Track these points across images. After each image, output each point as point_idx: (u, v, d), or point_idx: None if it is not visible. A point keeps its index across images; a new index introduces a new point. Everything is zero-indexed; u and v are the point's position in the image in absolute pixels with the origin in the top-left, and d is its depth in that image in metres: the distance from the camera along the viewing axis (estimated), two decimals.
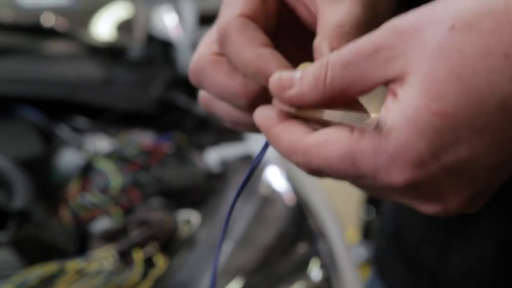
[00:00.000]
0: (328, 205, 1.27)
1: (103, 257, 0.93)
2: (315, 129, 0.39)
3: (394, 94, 0.35)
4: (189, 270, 1.05)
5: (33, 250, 0.96)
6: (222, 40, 0.43)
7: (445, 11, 0.33)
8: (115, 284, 0.89)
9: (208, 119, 1.48)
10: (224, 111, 0.47)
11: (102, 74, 1.52)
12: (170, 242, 1.06)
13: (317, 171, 0.38)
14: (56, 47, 1.77)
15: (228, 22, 0.42)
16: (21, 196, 1.03)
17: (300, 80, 0.38)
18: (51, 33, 1.79)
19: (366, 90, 0.37)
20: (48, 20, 1.84)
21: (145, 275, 0.95)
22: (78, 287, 0.86)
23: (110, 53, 1.74)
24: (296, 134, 0.39)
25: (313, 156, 0.37)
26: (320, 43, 0.41)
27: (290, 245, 1.14)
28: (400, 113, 0.34)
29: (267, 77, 0.40)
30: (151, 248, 0.99)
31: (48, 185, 1.21)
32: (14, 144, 1.26)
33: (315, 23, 0.45)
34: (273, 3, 0.45)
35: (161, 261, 0.98)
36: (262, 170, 1.26)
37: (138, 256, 0.96)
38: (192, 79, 0.46)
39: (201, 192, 1.26)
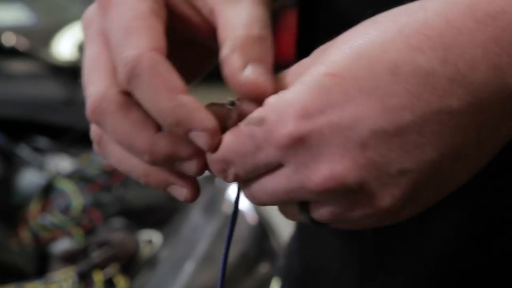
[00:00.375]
0: (289, 223, 1.28)
1: (63, 279, 0.92)
2: None
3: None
4: None
5: None
6: (132, 81, 0.37)
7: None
8: None
9: None
10: (121, 158, 0.40)
11: (64, 94, 1.51)
12: (131, 263, 1.05)
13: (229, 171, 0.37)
14: (17, 66, 1.75)
15: (139, 59, 0.37)
16: None
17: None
18: (12, 52, 1.77)
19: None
20: (9, 40, 1.82)
21: None
22: None
23: (71, 72, 1.73)
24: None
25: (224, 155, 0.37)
26: (230, 55, 0.38)
27: (252, 265, 1.15)
28: (292, 76, 0.36)
29: (187, 131, 0.37)
30: (112, 269, 0.99)
31: (8, 205, 1.19)
32: None
33: (206, 29, 0.42)
34: (165, 18, 0.40)
35: (121, 282, 0.98)
36: (224, 189, 1.27)
37: (98, 277, 0.95)
38: (92, 119, 0.40)
39: (164, 212, 1.26)
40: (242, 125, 0.36)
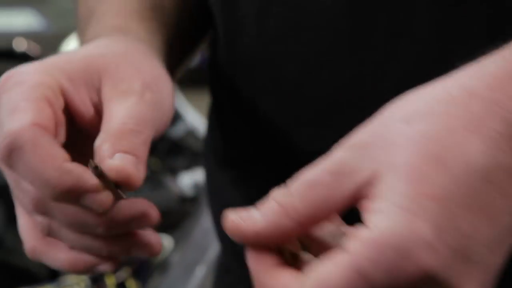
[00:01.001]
0: None
1: (75, 283, 0.93)
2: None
3: (369, 198, 0.33)
4: None
5: (4, 275, 0.95)
6: (12, 154, 0.37)
7: (392, 117, 0.34)
8: None
9: (181, 143, 1.49)
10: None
11: None
12: (143, 267, 1.06)
13: None
14: None
15: (18, 133, 0.36)
16: None
17: (261, 214, 0.34)
18: (23, 57, 1.78)
19: (344, 206, 0.34)
20: (20, 45, 1.83)
21: None
22: None
23: None
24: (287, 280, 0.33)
25: None
26: (101, 145, 0.39)
27: None
28: (387, 207, 0.31)
29: (79, 196, 0.37)
30: (124, 273, 0.99)
31: None
32: None
33: (96, 123, 0.43)
34: (60, 107, 0.41)
35: (133, 286, 0.98)
36: None
37: (110, 281, 0.95)
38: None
39: (175, 216, 1.26)
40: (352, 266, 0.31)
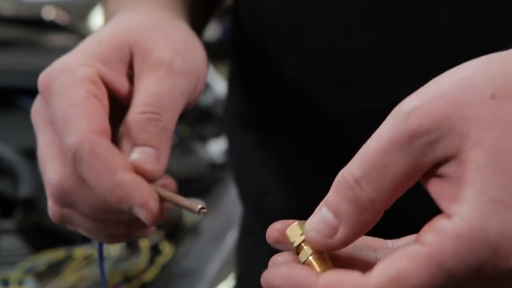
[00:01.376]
0: None
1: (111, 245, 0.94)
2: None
3: (455, 177, 0.30)
4: (194, 258, 1.06)
5: (39, 237, 0.96)
6: (77, 165, 0.39)
7: (475, 81, 0.31)
8: (122, 270, 0.90)
9: (210, 111, 1.49)
10: (89, 226, 0.43)
11: None
12: (175, 230, 1.06)
13: None
14: (57, 40, 1.77)
15: (79, 144, 0.39)
16: (26, 185, 1.04)
17: (336, 217, 0.32)
18: (52, 26, 1.79)
19: (413, 181, 0.31)
20: (49, 14, 1.84)
21: (151, 262, 0.95)
22: (86, 273, 0.86)
23: None
24: (354, 282, 0.30)
25: None
26: (121, 139, 0.42)
27: None
28: (480, 198, 0.29)
29: (131, 207, 0.39)
30: (157, 235, 1.00)
31: None
32: (18, 135, 1.27)
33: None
34: (105, 95, 0.43)
35: (167, 249, 0.99)
36: None
37: (144, 243, 0.96)
38: (58, 202, 0.43)
39: (205, 182, 1.27)
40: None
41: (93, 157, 0.39)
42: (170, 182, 0.45)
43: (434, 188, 0.31)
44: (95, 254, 0.91)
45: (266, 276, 0.34)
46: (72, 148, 0.39)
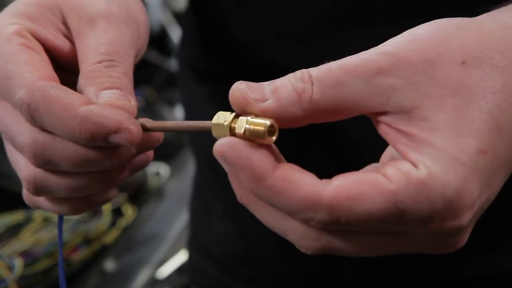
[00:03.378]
0: None
1: None
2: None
3: (404, 133, 0.31)
4: (157, 221, 1.06)
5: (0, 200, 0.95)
6: (34, 118, 0.36)
7: (450, 45, 0.32)
8: (82, 232, 0.89)
9: (177, 75, 1.48)
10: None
11: None
12: (139, 193, 1.06)
13: (344, 226, 0.31)
14: None
15: (28, 95, 0.36)
16: None
17: (273, 92, 0.32)
18: None
19: (355, 114, 0.33)
20: None
21: (113, 224, 0.95)
22: (44, 234, 0.86)
23: None
24: (309, 186, 0.31)
25: (345, 211, 0.30)
26: (83, 88, 0.38)
27: None
28: (441, 154, 0.30)
29: (106, 137, 0.36)
30: (120, 198, 1.00)
31: None
32: None
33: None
34: (40, 49, 0.40)
35: (129, 211, 0.99)
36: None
37: (106, 206, 0.96)
38: (38, 161, 0.39)
39: (171, 146, 1.26)
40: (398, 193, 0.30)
41: (48, 101, 0.36)
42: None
43: (390, 135, 0.32)
44: (55, 216, 0.90)
45: (223, 149, 0.32)
46: (23, 102, 0.36)
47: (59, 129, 0.36)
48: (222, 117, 0.34)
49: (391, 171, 0.30)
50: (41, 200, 0.41)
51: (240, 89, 0.33)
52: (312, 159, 0.49)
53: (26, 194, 0.42)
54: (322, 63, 0.33)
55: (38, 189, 0.39)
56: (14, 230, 0.87)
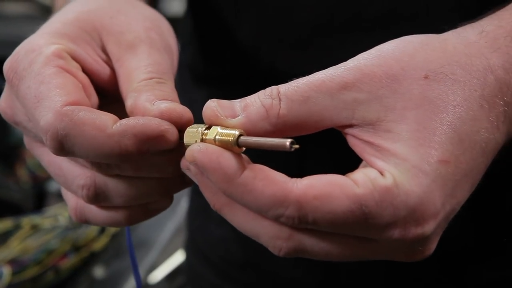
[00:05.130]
0: None
1: (59, 213, 0.93)
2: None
3: (370, 143, 0.33)
4: (146, 227, 1.06)
5: None
6: (64, 145, 0.35)
7: (414, 60, 0.33)
8: (71, 239, 0.89)
9: None
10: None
11: None
12: None
13: (310, 224, 0.32)
14: (13, 8, 1.73)
15: (56, 120, 0.35)
16: None
17: (243, 109, 0.34)
18: None
19: (322, 128, 0.34)
20: None
21: (102, 231, 0.95)
22: (32, 241, 0.86)
23: None
24: (279, 183, 0.32)
25: (312, 209, 0.31)
26: (137, 99, 0.37)
27: None
28: (404, 163, 0.32)
29: (148, 145, 0.35)
30: None
31: (5, 145, 1.20)
32: None
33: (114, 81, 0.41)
34: (78, 69, 0.40)
35: None
36: None
37: None
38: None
39: None
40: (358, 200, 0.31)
41: (80, 125, 0.35)
42: None
43: (357, 146, 0.34)
44: (43, 223, 0.91)
45: (194, 154, 0.33)
46: (50, 126, 0.35)
47: (93, 152, 0.35)
48: (196, 127, 0.35)
49: (359, 176, 0.32)
50: (93, 212, 0.40)
51: (211, 107, 0.35)
52: (312, 165, 0.50)
53: (75, 209, 0.41)
54: (320, 68, 0.34)
55: (97, 194, 0.38)
56: (2, 238, 0.87)
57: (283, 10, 0.53)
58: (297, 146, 0.32)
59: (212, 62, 0.62)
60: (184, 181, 0.39)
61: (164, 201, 0.40)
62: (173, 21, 0.49)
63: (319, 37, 0.52)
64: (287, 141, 0.31)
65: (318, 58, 0.44)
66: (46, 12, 1.70)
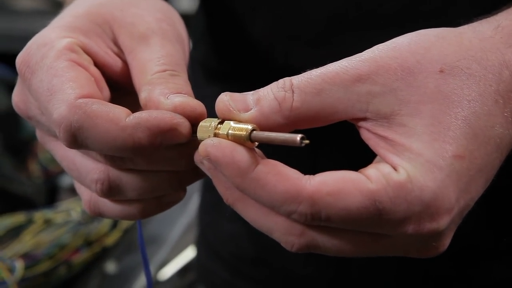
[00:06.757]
0: None
1: (71, 208, 0.93)
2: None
3: (383, 138, 0.33)
4: (158, 222, 1.06)
5: (2, 202, 0.96)
6: (77, 136, 0.35)
7: (429, 54, 0.33)
8: (83, 234, 0.90)
9: None
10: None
11: None
12: None
13: (323, 221, 0.32)
14: (24, 3, 1.74)
15: (70, 113, 0.35)
16: None
17: (256, 102, 0.34)
18: None
19: (335, 121, 0.34)
20: None
21: (114, 226, 0.95)
22: (45, 236, 0.86)
23: None
24: (292, 179, 0.32)
25: (325, 206, 0.31)
26: (151, 92, 0.37)
27: None
28: (418, 158, 0.32)
29: (161, 138, 0.35)
30: None
31: (17, 139, 1.20)
32: None
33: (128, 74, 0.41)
34: (90, 63, 0.40)
35: None
36: None
37: None
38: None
39: None
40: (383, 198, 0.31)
41: (93, 117, 0.35)
42: None
43: (370, 140, 0.34)
44: (56, 218, 0.91)
45: (207, 148, 0.33)
46: (63, 119, 0.35)
47: (107, 145, 0.35)
48: (209, 121, 0.35)
49: (372, 172, 0.32)
50: (107, 206, 0.40)
51: (224, 101, 0.34)
52: (325, 162, 0.49)
53: (89, 202, 0.41)
54: None
55: (111, 188, 0.38)
56: (15, 232, 0.88)
57: (298, 7, 0.53)
58: (307, 141, 0.31)
59: (225, 59, 0.62)
60: (197, 173, 0.38)
61: (178, 194, 0.40)
62: (183, 18, 0.49)
63: (334, 34, 0.52)
64: (298, 136, 0.31)
65: (332, 55, 0.44)
66: (57, 7, 1.70)
